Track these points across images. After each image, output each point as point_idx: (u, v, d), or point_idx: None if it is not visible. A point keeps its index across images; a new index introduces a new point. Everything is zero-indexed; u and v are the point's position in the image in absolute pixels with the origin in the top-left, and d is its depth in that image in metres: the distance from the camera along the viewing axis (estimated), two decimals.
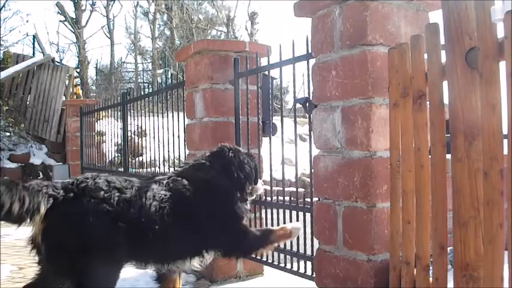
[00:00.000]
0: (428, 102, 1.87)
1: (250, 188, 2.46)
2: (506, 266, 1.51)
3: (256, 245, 2.38)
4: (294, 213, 2.91)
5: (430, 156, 1.84)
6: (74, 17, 16.22)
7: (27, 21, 20.28)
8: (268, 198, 3.10)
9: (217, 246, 2.28)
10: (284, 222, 2.82)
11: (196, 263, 2.31)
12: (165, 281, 2.44)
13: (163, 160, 4.69)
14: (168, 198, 2.11)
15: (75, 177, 2.01)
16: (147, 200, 2.03)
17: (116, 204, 1.93)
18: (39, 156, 8.18)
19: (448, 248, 1.77)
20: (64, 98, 8.80)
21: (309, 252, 2.73)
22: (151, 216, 2.02)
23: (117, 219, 1.92)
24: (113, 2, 18.85)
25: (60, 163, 8.23)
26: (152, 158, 5.40)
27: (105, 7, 18.61)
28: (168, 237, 2.07)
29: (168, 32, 22.52)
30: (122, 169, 6.24)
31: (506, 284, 1.53)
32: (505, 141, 1.49)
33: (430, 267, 1.85)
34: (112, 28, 19.23)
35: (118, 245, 1.94)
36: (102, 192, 1.91)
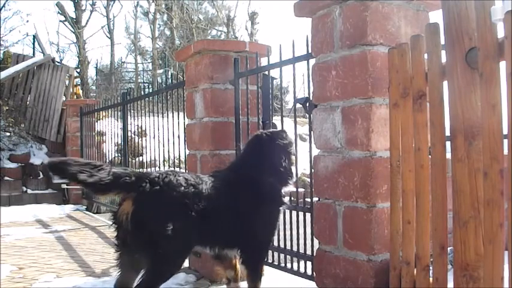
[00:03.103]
0: (428, 102, 1.88)
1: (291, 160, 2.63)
2: (506, 266, 1.51)
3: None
4: (294, 213, 2.91)
5: (430, 156, 1.85)
6: (74, 17, 16.20)
7: (27, 21, 20.30)
8: None
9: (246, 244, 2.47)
10: (284, 222, 2.82)
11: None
12: (224, 263, 2.66)
13: (163, 160, 4.69)
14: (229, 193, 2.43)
15: (159, 171, 2.39)
16: (213, 193, 2.35)
17: (192, 197, 2.27)
18: (39, 156, 8.17)
19: (448, 248, 1.77)
20: (64, 98, 8.79)
21: (309, 252, 2.73)
22: (217, 208, 2.35)
23: (192, 210, 2.25)
24: (113, 2, 18.83)
25: None
26: (152, 158, 5.41)
27: (105, 7, 18.60)
28: (227, 225, 2.39)
29: (168, 32, 22.51)
30: None
31: (506, 284, 1.53)
32: (505, 141, 1.49)
33: (430, 267, 1.85)
34: (112, 28, 19.21)
35: (190, 230, 2.25)
36: (182, 188, 2.26)
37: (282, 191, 2.54)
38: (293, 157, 2.64)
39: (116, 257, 2.31)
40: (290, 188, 2.60)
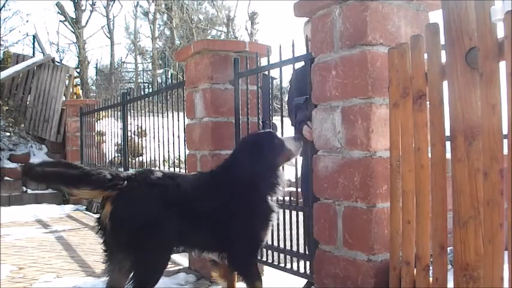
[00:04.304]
0: (428, 102, 1.88)
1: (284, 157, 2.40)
2: (506, 266, 1.51)
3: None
4: (294, 213, 2.91)
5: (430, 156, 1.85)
6: (74, 17, 16.21)
7: (27, 21, 20.34)
8: None
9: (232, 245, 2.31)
10: (284, 222, 2.83)
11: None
12: (220, 270, 2.51)
13: (163, 160, 4.69)
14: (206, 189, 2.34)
15: (137, 169, 2.30)
16: (195, 190, 2.29)
17: (171, 192, 2.21)
18: (39, 156, 8.17)
19: (448, 248, 1.77)
20: (64, 98, 8.79)
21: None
22: (194, 208, 2.25)
23: (171, 205, 2.18)
24: (113, 2, 18.84)
25: None
26: (152, 158, 5.40)
27: (105, 7, 18.61)
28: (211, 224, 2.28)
29: (168, 32, 22.53)
30: (122, 169, 6.24)
31: (506, 284, 1.53)
32: (505, 141, 1.49)
33: (430, 267, 1.85)
34: (112, 28, 19.23)
35: (170, 226, 2.18)
36: (160, 182, 2.21)
37: (268, 198, 2.33)
38: (281, 160, 2.39)
39: (103, 260, 2.27)
40: (279, 195, 2.38)
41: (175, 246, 2.36)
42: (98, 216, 2.25)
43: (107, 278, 2.32)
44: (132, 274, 2.14)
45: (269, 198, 2.34)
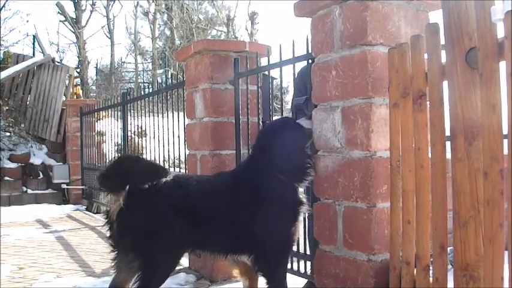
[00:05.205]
0: (428, 102, 1.88)
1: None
2: (506, 266, 1.51)
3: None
4: None
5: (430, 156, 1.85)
6: (74, 17, 16.20)
7: (27, 21, 20.36)
8: None
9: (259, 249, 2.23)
10: None
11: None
12: (240, 268, 2.45)
13: (163, 160, 4.69)
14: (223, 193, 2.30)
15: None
16: (205, 196, 2.27)
17: (180, 198, 2.20)
18: (39, 156, 8.17)
19: (448, 248, 1.77)
20: (64, 98, 8.79)
21: (308, 252, 2.72)
22: (207, 210, 2.24)
23: (179, 211, 2.17)
24: (113, 2, 18.84)
25: (60, 163, 8.22)
26: (152, 158, 5.40)
27: (105, 7, 18.61)
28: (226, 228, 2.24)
29: (168, 32, 22.52)
30: None
31: (506, 284, 1.53)
32: (505, 141, 1.49)
33: (430, 267, 1.85)
34: (112, 28, 19.22)
35: (177, 232, 2.16)
36: (168, 189, 2.19)
37: (298, 190, 2.29)
38: (306, 145, 2.39)
39: (112, 257, 2.28)
40: (304, 185, 2.33)
41: (187, 249, 2.32)
42: (108, 210, 2.27)
43: (113, 276, 2.32)
44: (138, 275, 2.14)
45: (298, 187, 2.29)
